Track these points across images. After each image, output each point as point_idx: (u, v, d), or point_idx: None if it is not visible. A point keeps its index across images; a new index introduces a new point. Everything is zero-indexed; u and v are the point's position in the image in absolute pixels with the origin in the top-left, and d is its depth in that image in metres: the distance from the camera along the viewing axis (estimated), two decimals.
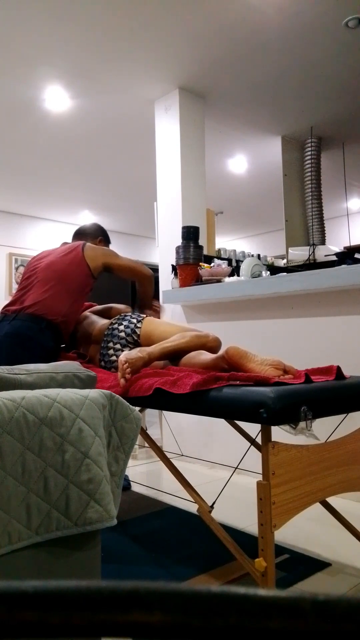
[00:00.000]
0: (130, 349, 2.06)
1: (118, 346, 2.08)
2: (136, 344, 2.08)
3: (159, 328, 2.06)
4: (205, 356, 1.82)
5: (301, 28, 2.91)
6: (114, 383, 1.77)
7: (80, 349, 2.38)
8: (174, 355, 1.90)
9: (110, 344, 2.10)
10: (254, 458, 2.09)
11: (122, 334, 2.09)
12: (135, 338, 2.08)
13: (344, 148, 4.56)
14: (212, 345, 1.93)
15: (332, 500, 2.11)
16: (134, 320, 2.12)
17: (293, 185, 4.42)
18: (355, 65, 3.30)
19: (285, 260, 4.23)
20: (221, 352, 1.74)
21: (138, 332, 2.08)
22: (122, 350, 2.06)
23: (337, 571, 1.71)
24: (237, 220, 7.06)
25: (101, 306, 2.54)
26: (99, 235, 2.54)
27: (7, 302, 6.30)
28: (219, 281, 2.98)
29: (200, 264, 3.12)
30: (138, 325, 2.10)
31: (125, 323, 2.12)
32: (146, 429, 1.94)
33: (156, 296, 3.69)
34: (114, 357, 2.07)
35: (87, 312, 2.47)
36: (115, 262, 2.32)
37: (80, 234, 2.54)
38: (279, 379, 1.49)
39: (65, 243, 2.41)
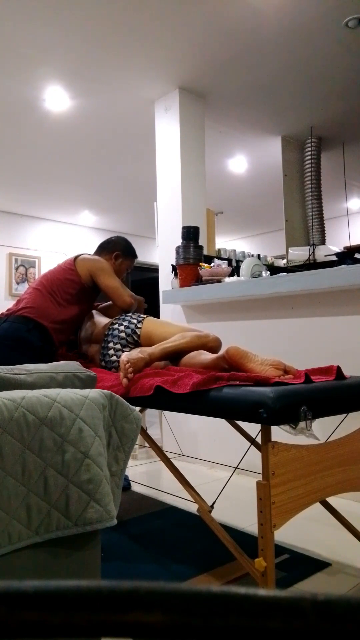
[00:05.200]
0: (131, 349, 2.07)
1: (118, 346, 2.08)
2: (136, 344, 2.08)
3: (159, 328, 2.06)
4: (206, 356, 1.82)
5: (301, 28, 2.91)
6: (115, 382, 1.77)
7: (81, 348, 2.38)
8: (175, 356, 1.91)
9: (111, 344, 2.10)
10: (254, 458, 2.09)
11: (123, 334, 2.09)
12: (136, 338, 2.08)
13: (344, 148, 4.56)
14: (212, 345, 1.93)
15: (332, 500, 2.11)
16: (134, 321, 2.12)
17: (293, 185, 4.42)
18: (355, 65, 3.29)
19: (285, 260, 4.23)
20: (221, 352, 1.74)
21: (138, 332, 2.08)
22: (123, 351, 2.06)
23: (337, 571, 1.71)
24: (237, 220, 7.05)
25: (106, 303, 2.52)
26: (116, 250, 2.44)
27: (6, 301, 6.31)
28: (219, 281, 2.98)
29: (200, 264, 3.12)
30: (138, 325, 2.10)
31: (125, 323, 2.12)
32: (146, 429, 1.94)
33: (156, 297, 3.69)
34: (114, 357, 2.07)
35: (92, 311, 2.47)
36: (100, 278, 2.28)
37: (99, 247, 2.48)
38: (279, 379, 1.49)
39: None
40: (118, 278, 2.41)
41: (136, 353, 1.83)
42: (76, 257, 2.34)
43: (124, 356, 1.78)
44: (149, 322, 2.11)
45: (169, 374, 1.70)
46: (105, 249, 2.45)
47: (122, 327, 2.12)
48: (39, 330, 2.19)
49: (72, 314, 2.28)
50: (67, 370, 1.26)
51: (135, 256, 2.51)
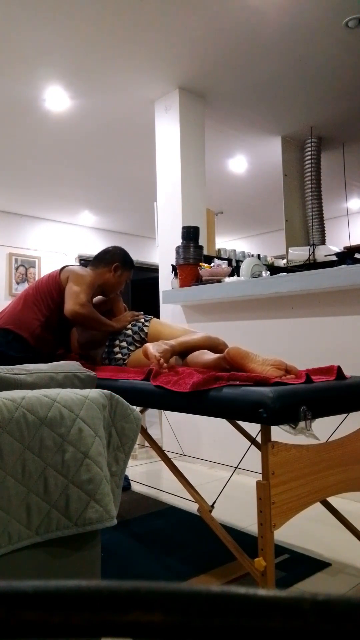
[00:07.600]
0: (136, 347, 2.12)
1: (124, 344, 2.15)
2: (143, 342, 2.15)
3: (167, 329, 2.14)
4: (208, 356, 1.84)
5: (301, 28, 2.90)
6: (135, 373, 1.81)
7: (77, 349, 2.40)
8: (190, 351, 1.94)
9: (117, 341, 2.15)
10: (254, 458, 2.09)
11: (129, 332, 2.17)
12: (143, 336, 2.16)
13: (344, 148, 4.56)
14: (223, 348, 1.97)
15: (332, 500, 2.12)
16: (142, 320, 2.21)
17: (293, 185, 4.41)
18: (355, 65, 3.29)
19: (285, 260, 4.23)
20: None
21: (146, 331, 2.16)
22: (128, 348, 2.11)
23: (337, 571, 1.71)
24: (237, 220, 7.05)
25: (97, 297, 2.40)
26: (115, 261, 2.28)
27: (6, 301, 6.31)
28: (219, 281, 2.98)
29: (200, 264, 3.12)
30: (146, 324, 2.18)
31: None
32: (146, 429, 1.95)
33: (156, 297, 3.69)
34: (119, 355, 2.11)
35: None
36: (67, 287, 2.13)
37: (96, 258, 2.32)
38: (280, 379, 1.49)
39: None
40: (115, 290, 2.33)
41: (161, 345, 1.84)
42: (63, 268, 2.25)
43: (152, 350, 1.77)
44: (156, 322, 2.20)
45: (171, 374, 1.70)
46: (102, 260, 2.29)
47: (129, 325, 2.20)
48: (18, 342, 2.15)
49: (55, 325, 2.22)
50: (67, 370, 1.26)
51: (133, 266, 2.38)
